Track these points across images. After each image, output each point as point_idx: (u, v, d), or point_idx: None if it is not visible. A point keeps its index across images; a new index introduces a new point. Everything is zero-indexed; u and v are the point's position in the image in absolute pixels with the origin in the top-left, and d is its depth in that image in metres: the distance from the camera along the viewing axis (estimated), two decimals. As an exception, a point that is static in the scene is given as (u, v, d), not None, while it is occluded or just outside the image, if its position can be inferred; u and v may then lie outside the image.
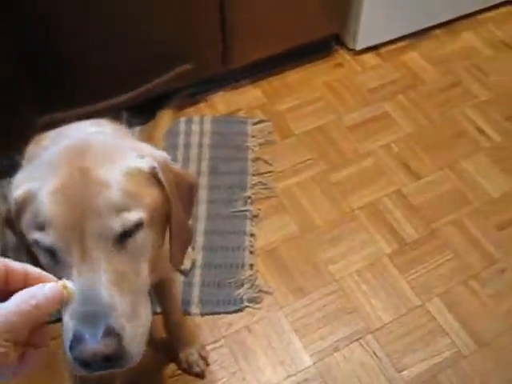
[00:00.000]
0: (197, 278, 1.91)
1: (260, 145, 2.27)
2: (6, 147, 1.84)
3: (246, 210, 2.06)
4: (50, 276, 0.70)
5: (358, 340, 1.79)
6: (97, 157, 0.92)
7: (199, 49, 2.22)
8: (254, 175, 2.17)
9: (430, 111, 2.38)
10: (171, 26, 2.09)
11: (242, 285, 1.90)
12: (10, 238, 1.10)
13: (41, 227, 0.87)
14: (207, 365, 1.75)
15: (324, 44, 2.57)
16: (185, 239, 1.08)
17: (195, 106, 2.40)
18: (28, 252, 0.97)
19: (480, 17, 2.76)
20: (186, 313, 1.82)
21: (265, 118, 2.36)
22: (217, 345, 1.79)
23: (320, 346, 1.78)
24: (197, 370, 1.73)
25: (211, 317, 1.85)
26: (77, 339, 0.81)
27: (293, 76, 2.52)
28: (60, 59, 1.96)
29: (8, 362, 0.61)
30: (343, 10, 2.42)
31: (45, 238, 0.86)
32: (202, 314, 1.85)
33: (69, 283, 0.75)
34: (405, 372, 1.73)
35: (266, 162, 2.22)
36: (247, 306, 1.86)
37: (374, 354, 1.77)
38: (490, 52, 2.62)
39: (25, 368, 0.65)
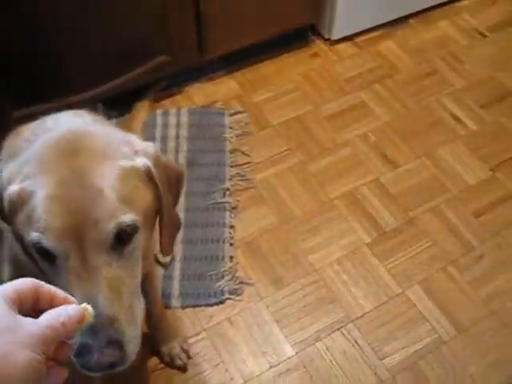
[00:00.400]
0: (177, 271, 1.90)
1: (237, 136, 2.26)
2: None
3: (224, 202, 2.05)
4: (73, 299, 0.76)
5: (339, 329, 1.80)
6: (89, 155, 0.91)
7: (174, 40, 2.19)
8: (231, 166, 2.16)
9: (407, 100, 2.39)
10: (146, 18, 2.07)
11: (223, 277, 1.89)
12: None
13: (39, 230, 0.86)
14: (189, 358, 1.74)
15: (300, 34, 2.56)
16: (174, 227, 1.09)
17: (171, 98, 2.38)
18: (23, 247, 0.96)
19: (455, 6, 2.77)
20: (167, 306, 1.81)
21: (242, 109, 2.35)
22: (198, 337, 1.78)
23: (301, 336, 1.78)
24: (179, 363, 1.72)
25: (192, 310, 1.84)
26: (82, 349, 0.84)
27: (269, 67, 2.50)
28: (34, 52, 1.92)
29: (42, 372, 0.67)
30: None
31: (43, 242, 0.86)
32: (183, 307, 1.84)
33: (89, 306, 0.77)
34: (386, 359, 1.74)
35: (244, 153, 2.21)
36: (228, 298, 1.85)
37: (356, 342, 1.77)
38: (465, 41, 2.63)
39: (50, 382, 0.71)
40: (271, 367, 1.73)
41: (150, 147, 1.01)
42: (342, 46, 2.58)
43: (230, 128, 2.27)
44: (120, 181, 0.91)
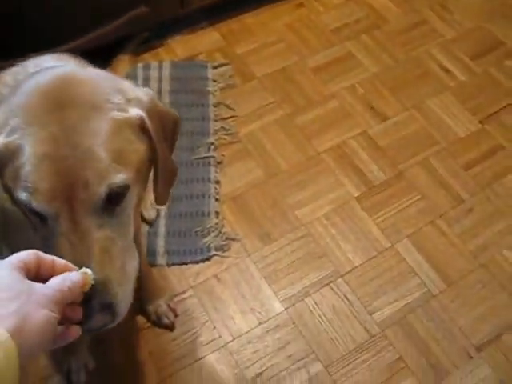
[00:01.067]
0: (162, 228, 1.85)
1: (221, 89, 2.19)
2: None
3: (209, 157, 1.99)
4: (73, 266, 0.80)
5: (328, 284, 1.77)
6: (79, 107, 0.85)
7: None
8: (216, 121, 2.09)
9: (395, 51, 2.33)
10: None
11: (209, 233, 1.84)
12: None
13: (27, 191, 0.82)
14: (176, 316, 1.71)
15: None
16: (170, 175, 1.03)
17: (153, 51, 2.29)
18: (12, 199, 0.91)
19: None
20: (152, 264, 1.77)
21: (225, 62, 2.27)
22: (185, 295, 1.75)
23: (290, 291, 1.76)
24: (166, 321, 1.69)
25: (178, 267, 1.80)
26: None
27: (252, 18, 2.42)
28: (9, 4, 1.83)
29: (56, 329, 0.73)
30: None
31: (32, 203, 0.82)
32: (169, 265, 1.80)
33: (88, 270, 0.80)
34: (376, 314, 1.72)
35: (228, 107, 2.14)
36: (215, 255, 1.82)
37: (345, 297, 1.75)
38: (455, -10, 2.56)
39: (67, 338, 0.78)
40: (260, 324, 1.71)
41: (144, 95, 0.95)
42: (328, -4, 2.50)
43: (214, 81, 2.20)
44: (112, 136, 0.85)
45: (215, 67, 2.24)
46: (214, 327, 1.70)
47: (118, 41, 2.18)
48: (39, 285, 0.73)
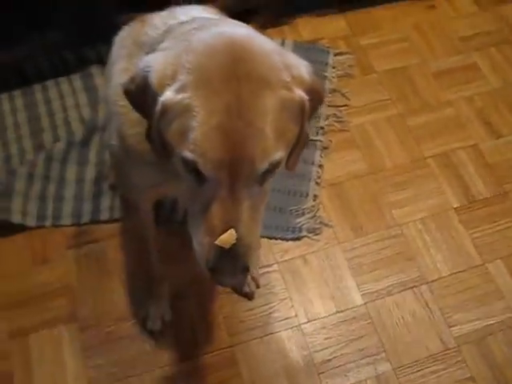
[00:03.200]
0: (252, 201, 1.88)
1: (339, 77, 2.19)
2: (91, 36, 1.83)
3: (316, 140, 2.01)
4: None
5: (411, 288, 1.77)
6: (254, 82, 0.87)
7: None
8: (329, 106, 2.10)
9: (522, 70, 2.26)
10: None
11: (303, 214, 1.87)
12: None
13: (196, 153, 0.86)
14: (257, 287, 1.74)
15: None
16: (303, 146, 1.05)
17: (278, 27, 2.30)
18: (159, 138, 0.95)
19: None
20: (242, 233, 1.81)
21: (347, 51, 2.27)
22: (270, 269, 1.78)
23: (373, 287, 1.77)
24: (247, 290, 1.73)
25: (267, 241, 1.82)
26: (217, 270, 0.92)
27: (382, 12, 2.39)
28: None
29: None
30: None
31: (199, 166, 0.87)
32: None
33: (233, 231, 0.89)
34: (455, 328, 1.71)
35: (343, 95, 2.15)
36: (305, 236, 1.84)
37: (427, 304, 1.74)
38: None
39: None
40: (337, 312, 1.72)
41: (306, 73, 0.96)
42: (462, 2, 2.43)
43: (333, 68, 2.21)
44: (278, 115, 0.88)
45: (336, 54, 2.25)
46: (292, 306, 1.73)
47: (250, 9, 2.21)
48: None
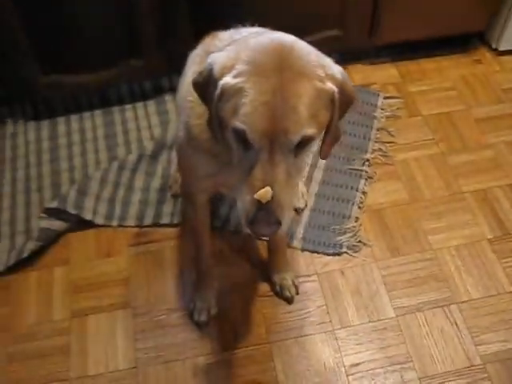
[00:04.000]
0: (305, 218, 2.07)
1: (387, 117, 2.39)
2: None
3: (362, 170, 2.20)
4: None
5: (442, 307, 1.87)
6: (295, 72, 1.08)
7: (350, 19, 2.36)
8: (376, 142, 2.30)
9: None
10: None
11: (345, 233, 2.03)
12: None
13: (245, 124, 1.08)
14: (297, 293, 1.90)
15: (466, 39, 2.65)
16: (334, 139, 1.26)
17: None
18: (211, 124, 1.21)
19: None
20: (288, 245, 1.99)
21: (396, 95, 2.48)
22: (310, 279, 1.94)
23: (405, 302, 1.89)
24: (287, 294, 1.89)
25: (310, 254, 2.00)
26: (254, 221, 1.12)
27: (430, 63, 2.61)
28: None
29: None
30: (493, 8, 2.48)
31: (247, 134, 1.08)
32: (302, 250, 2.01)
33: (269, 189, 1.09)
34: (482, 347, 1.79)
35: (390, 134, 2.34)
36: (345, 252, 2.00)
37: (455, 323, 1.84)
38: None
39: None
40: (370, 321, 1.85)
41: (339, 73, 1.17)
42: (506, 58, 2.62)
43: (382, 109, 2.41)
44: (312, 100, 1.09)
45: (386, 98, 2.46)
46: (328, 312, 1.87)
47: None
48: None
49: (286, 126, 1.06)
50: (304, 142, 1.11)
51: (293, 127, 1.07)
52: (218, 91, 1.11)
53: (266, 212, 1.10)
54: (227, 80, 1.10)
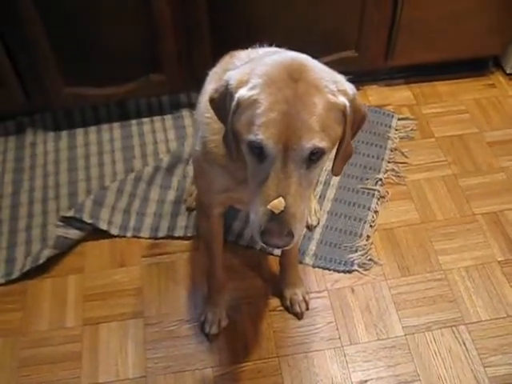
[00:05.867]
0: (317, 235, 2.10)
1: (400, 138, 2.43)
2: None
3: (375, 189, 2.22)
4: None
5: (451, 327, 1.88)
6: (307, 85, 1.13)
7: (366, 41, 2.40)
8: (389, 162, 2.32)
9: None
10: (341, 11, 2.28)
11: (356, 251, 2.05)
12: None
13: (261, 133, 1.11)
14: (307, 308, 1.92)
15: (480, 63, 2.69)
16: (347, 155, 1.30)
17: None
18: (225, 138, 1.26)
19: None
20: (300, 261, 2.01)
21: (410, 117, 2.51)
22: (320, 295, 1.96)
23: (414, 321, 1.90)
24: (297, 309, 1.91)
25: (321, 270, 2.02)
26: (267, 232, 1.15)
27: (444, 86, 2.65)
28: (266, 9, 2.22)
29: None
30: (508, 34, 2.52)
31: (263, 142, 1.11)
32: (314, 266, 2.03)
33: (282, 200, 1.12)
34: (491, 369, 1.80)
35: (403, 154, 2.37)
36: (356, 270, 2.02)
37: (464, 343, 1.85)
38: None
39: None
40: (378, 339, 1.86)
41: (350, 89, 1.20)
42: (518, 83, 2.68)
43: (396, 130, 2.44)
44: (323, 112, 1.12)
45: (400, 119, 2.49)
46: (337, 329, 1.88)
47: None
48: None
49: (299, 135, 1.10)
50: (316, 155, 1.13)
51: (306, 135, 1.10)
52: (233, 103, 1.15)
53: (278, 222, 1.13)
54: (242, 93, 1.15)
